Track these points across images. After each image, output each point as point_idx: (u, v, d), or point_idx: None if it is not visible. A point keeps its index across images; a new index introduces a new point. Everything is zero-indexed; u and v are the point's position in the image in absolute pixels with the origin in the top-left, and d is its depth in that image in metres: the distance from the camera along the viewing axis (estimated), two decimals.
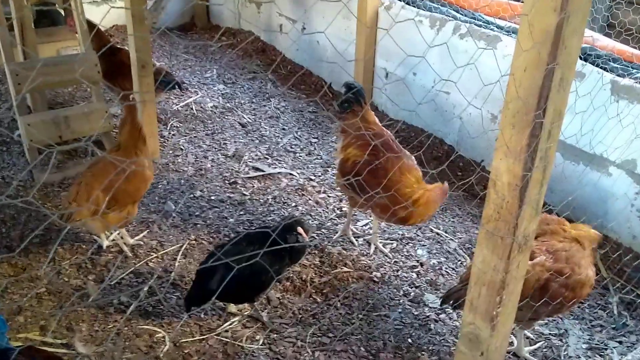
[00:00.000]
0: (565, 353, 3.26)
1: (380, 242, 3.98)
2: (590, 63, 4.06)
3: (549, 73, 1.69)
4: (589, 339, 3.36)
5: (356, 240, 3.99)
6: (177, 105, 5.51)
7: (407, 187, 3.44)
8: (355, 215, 4.24)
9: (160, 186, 4.34)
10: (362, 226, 4.16)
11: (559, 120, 1.81)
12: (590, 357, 3.23)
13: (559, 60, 1.68)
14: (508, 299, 2.11)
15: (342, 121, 3.81)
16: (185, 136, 5.07)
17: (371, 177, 3.27)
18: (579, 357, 3.23)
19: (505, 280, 2.04)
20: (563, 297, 2.70)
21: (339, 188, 4.20)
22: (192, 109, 5.48)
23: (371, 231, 4.02)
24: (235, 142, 5.05)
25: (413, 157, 3.61)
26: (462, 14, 4.95)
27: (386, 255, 3.89)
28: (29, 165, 4.48)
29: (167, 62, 6.37)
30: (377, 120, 3.82)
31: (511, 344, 3.25)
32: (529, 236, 2.01)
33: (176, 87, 4.92)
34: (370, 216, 4.12)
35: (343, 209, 4.31)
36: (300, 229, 3.12)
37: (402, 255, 3.92)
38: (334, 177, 4.16)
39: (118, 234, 3.83)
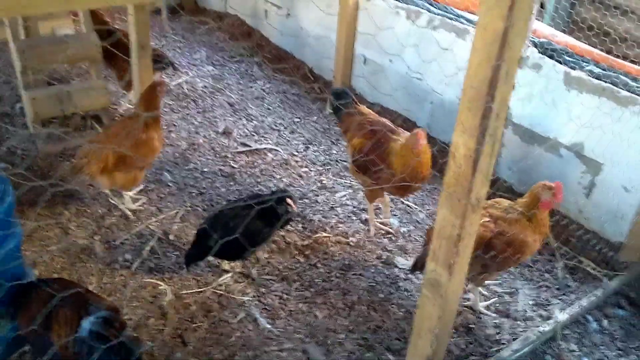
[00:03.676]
0: (514, 308, 3.77)
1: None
2: (547, 56, 4.55)
3: (496, 67, 2.14)
4: (536, 297, 3.88)
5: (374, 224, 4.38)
6: (169, 84, 5.87)
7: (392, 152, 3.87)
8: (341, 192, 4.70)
9: (156, 158, 4.72)
10: (340, 197, 4.61)
11: (504, 105, 2.26)
12: (535, 311, 3.75)
13: (505, 58, 2.13)
14: (463, 250, 2.57)
15: (341, 122, 4.31)
16: (178, 113, 5.45)
17: (375, 155, 3.75)
18: (526, 311, 3.75)
19: (461, 235, 2.50)
20: (504, 252, 3.21)
21: (361, 186, 4.48)
22: (183, 88, 5.85)
23: (382, 216, 4.45)
24: (224, 119, 5.45)
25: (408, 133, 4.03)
26: (435, 7, 5.39)
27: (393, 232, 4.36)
28: (32, 136, 4.81)
29: (157, 43, 6.70)
30: (369, 110, 4.33)
31: (468, 299, 3.75)
32: (480, 199, 2.47)
33: (170, 66, 5.28)
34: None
35: (323, 181, 4.76)
36: (289, 200, 3.56)
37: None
38: (350, 173, 4.56)
39: (120, 200, 4.23)
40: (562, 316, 3.63)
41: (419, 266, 3.55)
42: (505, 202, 3.48)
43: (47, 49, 4.68)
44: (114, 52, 5.05)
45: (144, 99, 4.00)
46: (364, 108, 4.32)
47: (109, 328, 2.57)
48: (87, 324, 2.57)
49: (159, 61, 5.16)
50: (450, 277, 2.61)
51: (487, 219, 3.29)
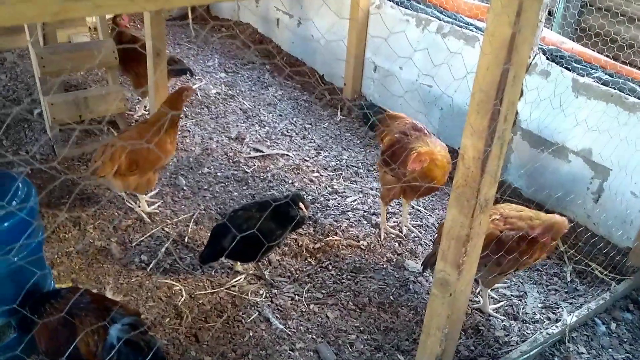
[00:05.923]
0: (523, 310, 3.82)
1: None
2: (555, 63, 4.61)
3: (504, 72, 2.21)
4: (545, 300, 3.92)
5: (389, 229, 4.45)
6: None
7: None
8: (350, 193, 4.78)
9: (171, 163, 4.82)
10: (351, 202, 4.68)
11: (512, 108, 2.34)
12: (544, 314, 3.80)
13: (512, 62, 2.21)
14: (472, 250, 2.64)
15: (377, 131, 4.45)
16: (192, 119, 5.56)
17: (400, 150, 3.92)
18: (535, 314, 3.80)
19: (470, 235, 2.57)
20: (512, 250, 3.26)
21: (382, 187, 4.45)
22: (197, 94, 5.96)
23: (401, 217, 4.52)
24: (237, 125, 5.55)
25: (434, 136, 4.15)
26: (445, 15, 5.47)
27: (416, 235, 4.43)
28: (50, 141, 4.92)
29: (171, 51, 6.82)
30: (400, 113, 4.46)
31: (477, 302, 3.81)
32: (489, 199, 2.54)
33: (187, 73, 5.38)
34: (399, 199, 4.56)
35: (334, 186, 4.84)
36: (301, 204, 3.64)
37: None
38: (377, 168, 4.64)
39: (137, 203, 4.33)
40: (570, 319, 3.67)
41: (429, 264, 3.62)
42: (514, 206, 3.55)
43: (65, 55, 4.79)
44: (130, 58, 5.15)
45: (169, 102, 4.10)
46: (396, 113, 4.47)
47: (136, 333, 2.64)
48: (114, 331, 2.65)
49: (175, 67, 5.26)
50: (459, 276, 2.67)
51: (498, 217, 3.36)
